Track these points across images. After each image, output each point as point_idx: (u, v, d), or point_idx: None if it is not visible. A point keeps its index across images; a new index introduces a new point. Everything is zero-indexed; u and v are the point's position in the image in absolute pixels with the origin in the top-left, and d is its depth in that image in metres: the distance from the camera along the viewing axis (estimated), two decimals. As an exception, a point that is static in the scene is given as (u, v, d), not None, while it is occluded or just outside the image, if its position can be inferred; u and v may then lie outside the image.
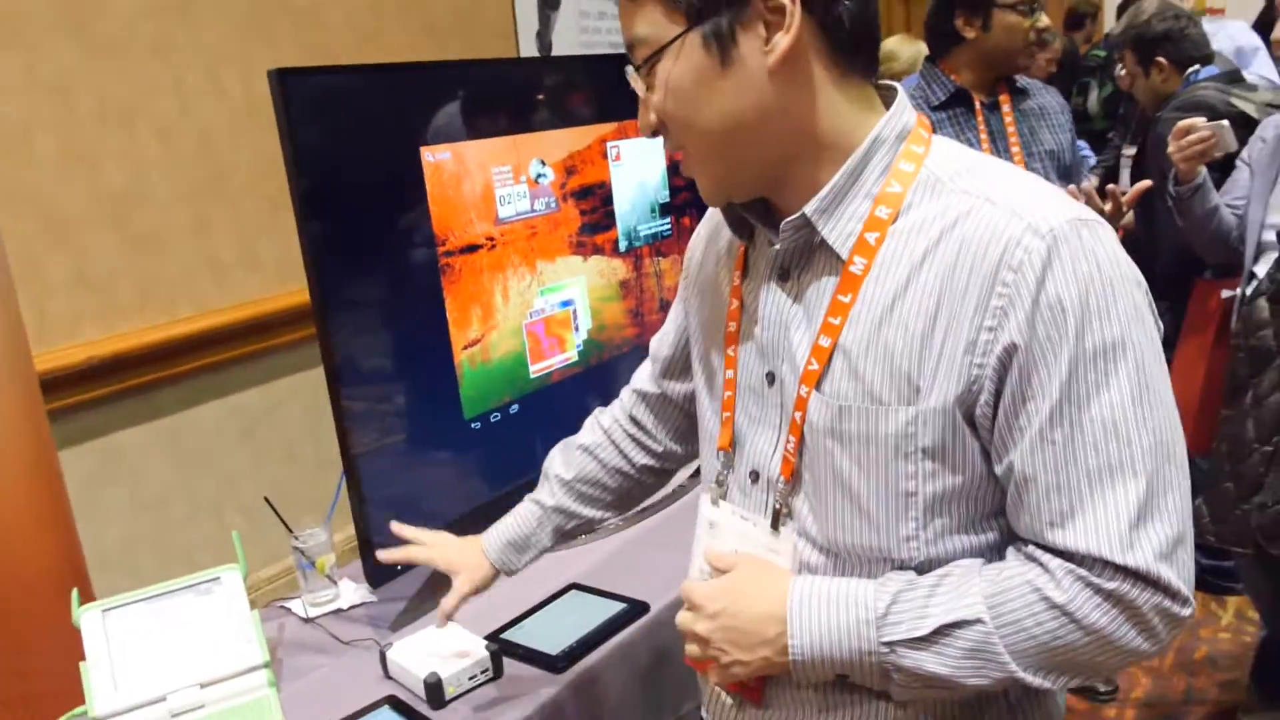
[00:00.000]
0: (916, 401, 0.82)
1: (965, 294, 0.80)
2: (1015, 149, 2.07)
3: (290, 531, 1.54)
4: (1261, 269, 2.00)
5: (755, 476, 0.95)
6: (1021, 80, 2.17)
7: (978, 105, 2.10)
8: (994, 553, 0.87)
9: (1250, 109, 2.60)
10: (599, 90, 1.77)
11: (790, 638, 0.86)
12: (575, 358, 1.73)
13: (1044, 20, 2.09)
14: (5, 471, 1.59)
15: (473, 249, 1.52)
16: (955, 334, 0.80)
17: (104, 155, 2.38)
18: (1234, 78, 2.81)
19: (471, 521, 1.59)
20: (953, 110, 2.10)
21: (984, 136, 2.06)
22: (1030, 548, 0.83)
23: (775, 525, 0.93)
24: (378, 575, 1.43)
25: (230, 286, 2.70)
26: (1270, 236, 2.00)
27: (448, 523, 1.54)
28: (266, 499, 1.55)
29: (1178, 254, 2.45)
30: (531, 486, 1.54)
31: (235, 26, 2.64)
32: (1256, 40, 3.72)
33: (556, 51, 2.81)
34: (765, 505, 0.94)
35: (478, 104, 1.54)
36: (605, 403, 1.84)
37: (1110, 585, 0.79)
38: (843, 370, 0.86)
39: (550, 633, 1.39)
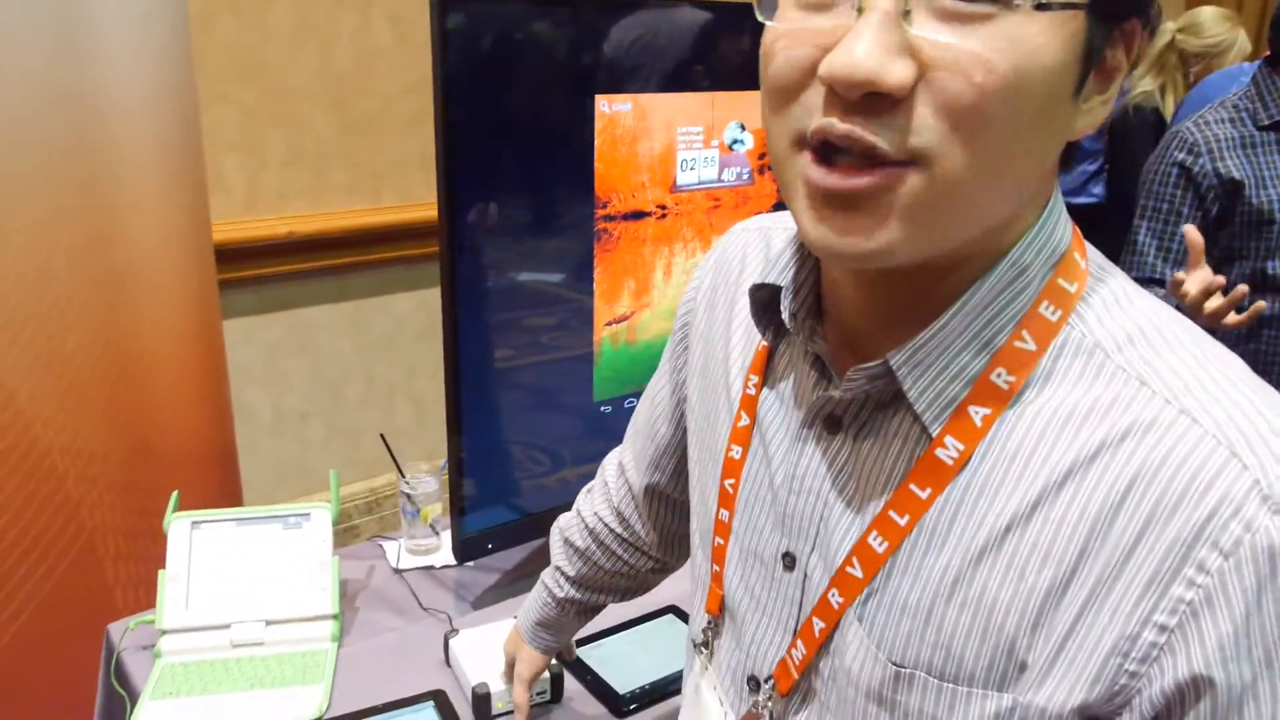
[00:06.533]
0: (1017, 687, 0.53)
1: (1131, 557, 0.49)
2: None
3: (401, 474, 1.47)
4: None
5: (754, 683, 0.67)
6: None
7: None
8: None
9: None
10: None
11: None
12: (738, 350, 1.53)
13: None
14: (175, 344, 1.61)
15: (638, 216, 1.34)
16: (1102, 611, 0.50)
17: (336, 35, 2.37)
18: None
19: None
20: None
21: (1314, 180, 1.64)
22: None
23: None
24: (466, 550, 1.33)
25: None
26: None
27: (547, 509, 1.42)
28: (382, 436, 1.48)
29: None
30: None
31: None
32: None
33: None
34: (759, 716, 0.67)
35: (673, 53, 1.34)
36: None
37: None
38: (908, 608, 0.56)
39: (628, 663, 1.24)
